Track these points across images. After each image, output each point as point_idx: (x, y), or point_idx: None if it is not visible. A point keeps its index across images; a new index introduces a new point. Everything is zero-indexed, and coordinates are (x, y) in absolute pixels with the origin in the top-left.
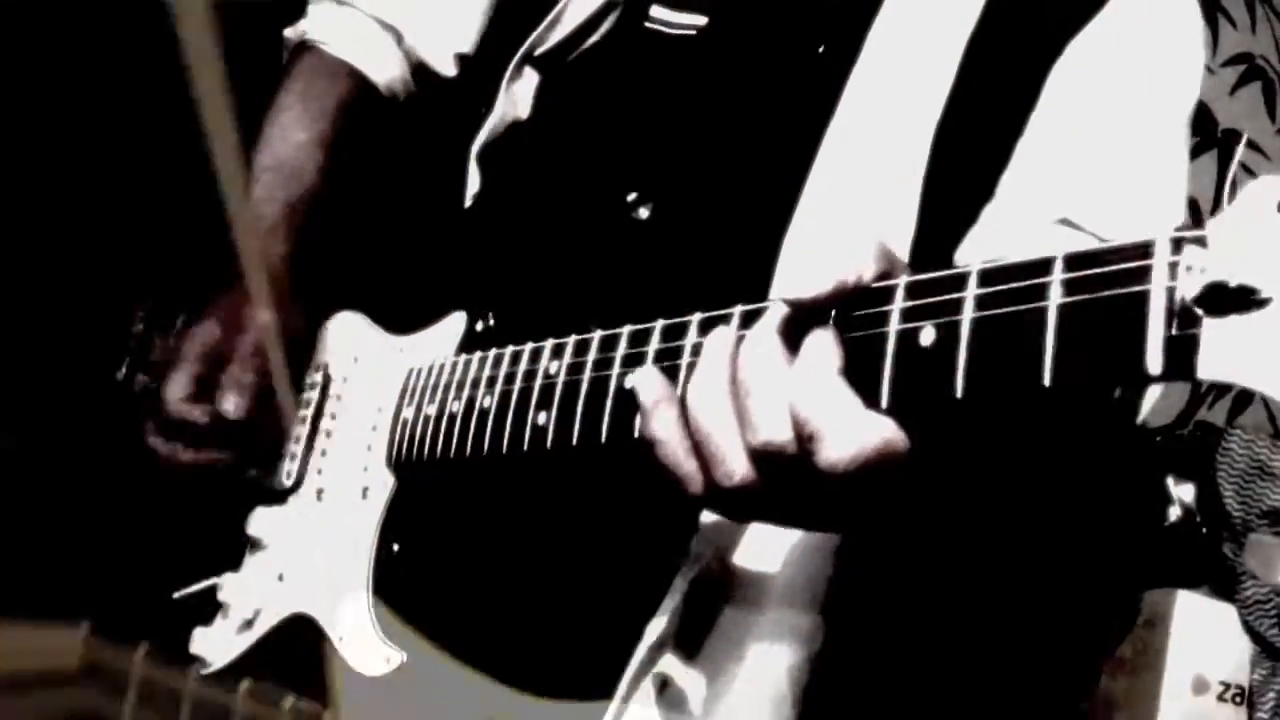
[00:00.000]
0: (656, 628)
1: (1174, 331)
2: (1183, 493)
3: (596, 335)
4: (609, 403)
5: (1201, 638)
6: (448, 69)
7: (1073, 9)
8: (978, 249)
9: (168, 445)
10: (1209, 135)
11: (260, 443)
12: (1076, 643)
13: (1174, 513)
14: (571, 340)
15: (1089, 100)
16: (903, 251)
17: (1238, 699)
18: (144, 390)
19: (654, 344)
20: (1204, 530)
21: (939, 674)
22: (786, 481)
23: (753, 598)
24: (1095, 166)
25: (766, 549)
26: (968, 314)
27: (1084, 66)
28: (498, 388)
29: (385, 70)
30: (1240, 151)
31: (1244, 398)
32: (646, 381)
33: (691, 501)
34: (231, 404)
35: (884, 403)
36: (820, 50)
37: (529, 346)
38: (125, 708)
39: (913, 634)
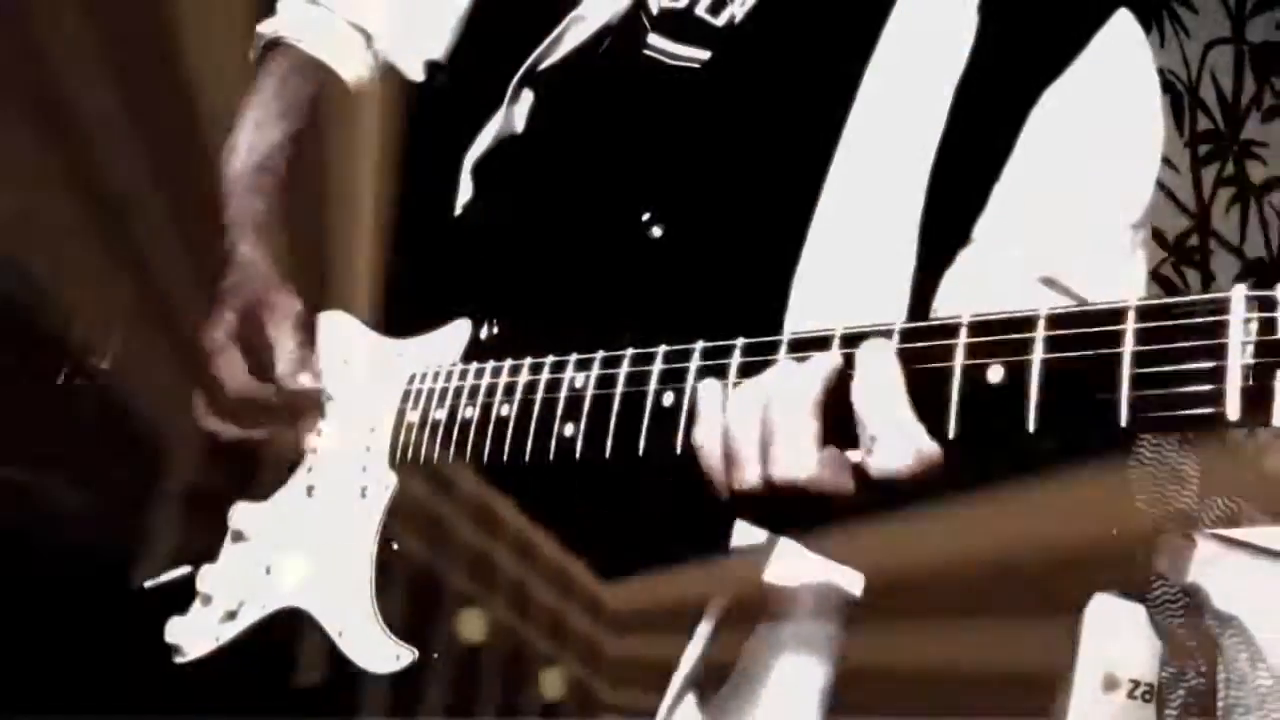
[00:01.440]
0: (691, 654)
1: (1251, 382)
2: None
3: (628, 352)
4: (646, 419)
5: (1112, 637)
6: (417, 74)
7: (1048, 60)
8: (956, 293)
9: (232, 428)
10: None
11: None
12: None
13: None
14: (598, 355)
15: (1061, 153)
16: (904, 287)
17: (1147, 696)
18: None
19: (695, 362)
20: (1114, 532)
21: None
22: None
23: (782, 617)
24: (1069, 226)
25: (794, 566)
26: (1038, 354)
27: (1056, 119)
28: (517, 396)
29: (355, 70)
30: None
31: None
32: (708, 392)
33: (740, 504)
34: (307, 378)
35: (951, 433)
36: (819, 86)
37: (549, 359)
38: None
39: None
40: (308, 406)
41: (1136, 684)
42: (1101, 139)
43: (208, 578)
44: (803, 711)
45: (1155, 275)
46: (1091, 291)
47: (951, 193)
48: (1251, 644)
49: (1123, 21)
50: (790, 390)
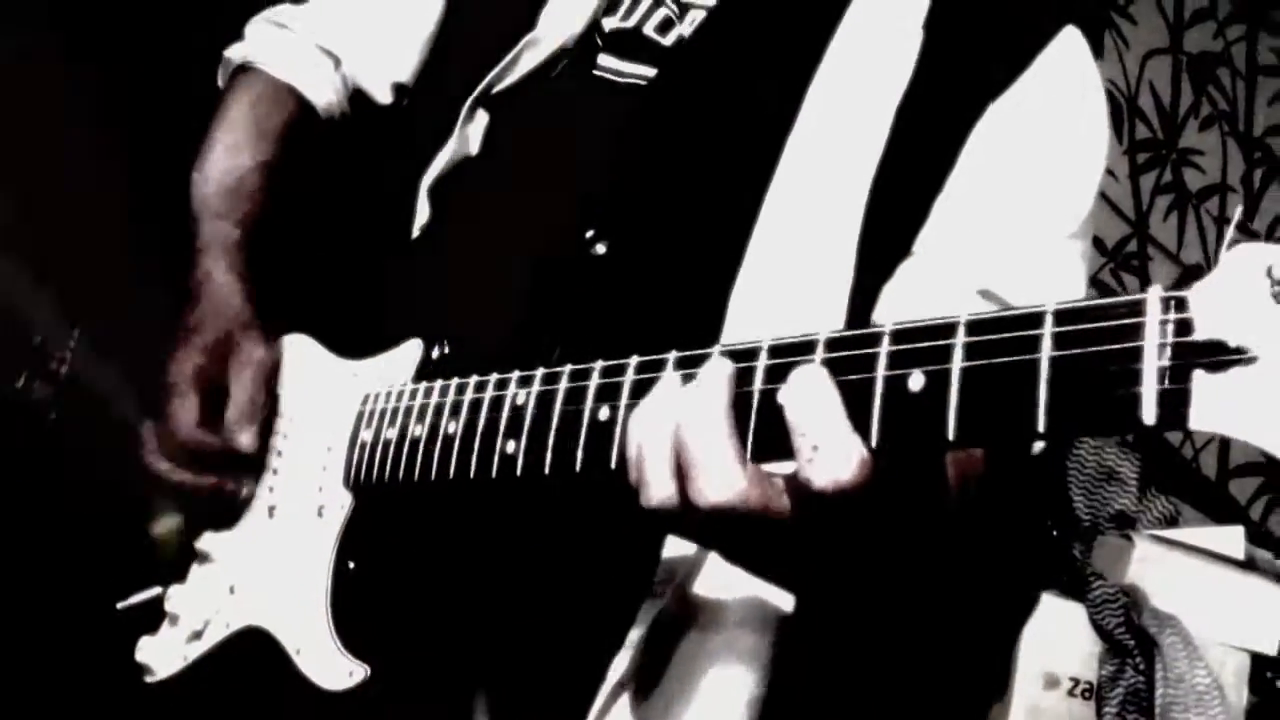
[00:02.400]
0: (622, 661)
1: (1167, 385)
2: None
3: (567, 368)
4: (583, 433)
5: (1052, 635)
6: (385, 97)
7: (994, 76)
8: (895, 305)
9: (178, 471)
10: None
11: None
12: (992, 646)
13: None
14: (540, 372)
15: (1003, 166)
16: (841, 301)
17: (1086, 694)
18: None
19: (630, 376)
20: (1054, 533)
21: (880, 687)
22: (779, 506)
23: (713, 627)
24: (1009, 238)
25: (726, 580)
26: (957, 362)
27: (1000, 133)
28: (463, 415)
29: (324, 94)
30: None
31: None
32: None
33: (672, 528)
34: (247, 439)
35: (874, 443)
36: (762, 104)
37: (494, 376)
38: None
39: (856, 657)
40: (248, 461)
41: (1076, 682)
42: (1043, 152)
43: (175, 598)
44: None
45: (1094, 281)
46: (1028, 303)
47: (892, 207)
48: (1189, 643)
49: (1070, 38)
50: (696, 410)
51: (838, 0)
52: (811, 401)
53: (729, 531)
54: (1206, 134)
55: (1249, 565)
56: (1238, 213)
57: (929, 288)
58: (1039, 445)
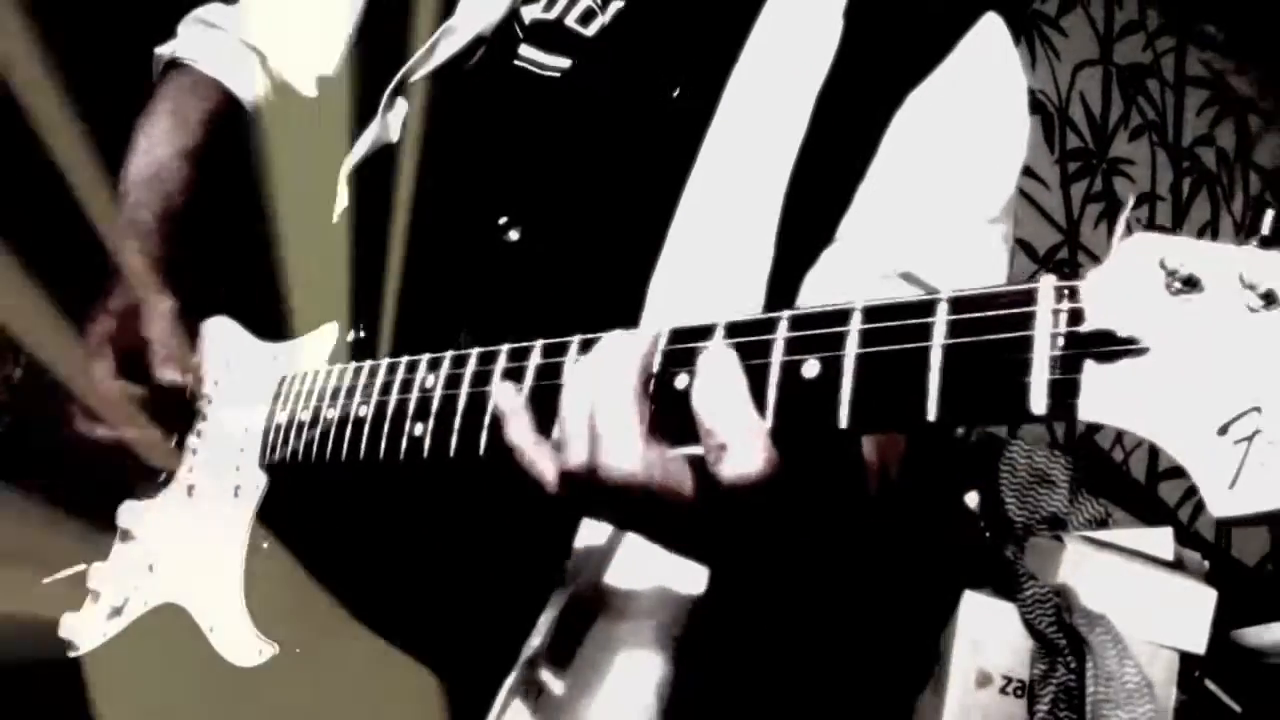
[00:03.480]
0: (533, 643)
1: (1057, 375)
2: (969, 500)
3: (474, 351)
4: (487, 417)
5: (985, 634)
6: (309, 90)
7: (914, 63)
8: (818, 290)
9: (99, 426)
10: None
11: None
12: (911, 641)
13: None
14: (448, 355)
15: (924, 151)
16: (759, 288)
17: (1019, 692)
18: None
19: (535, 359)
20: (987, 534)
21: (792, 679)
22: (690, 490)
23: (622, 614)
24: (931, 222)
25: (635, 569)
26: (851, 349)
27: (921, 119)
28: (374, 398)
29: (250, 88)
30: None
31: None
32: (502, 394)
33: (553, 501)
34: (169, 375)
35: (768, 428)
36: (680, 94)
37: (405, 359)
38: None
39: (767, 644)
40: (177, 402)
41: (1009, 680)
42: (964, 137)
43: (97, 575)
44: (639, 709)
45: None
46: (948, 285)
47: (812, 194)
48: (1119, 642)
49: (990, 24)
50: (607, 383)
51: None
52: (719, 398)
53: (633, 506)
54: (1136, 144)
55: (1177, 566)
56: (1130, 200)
57: (851, 273)
58: (960, 429)
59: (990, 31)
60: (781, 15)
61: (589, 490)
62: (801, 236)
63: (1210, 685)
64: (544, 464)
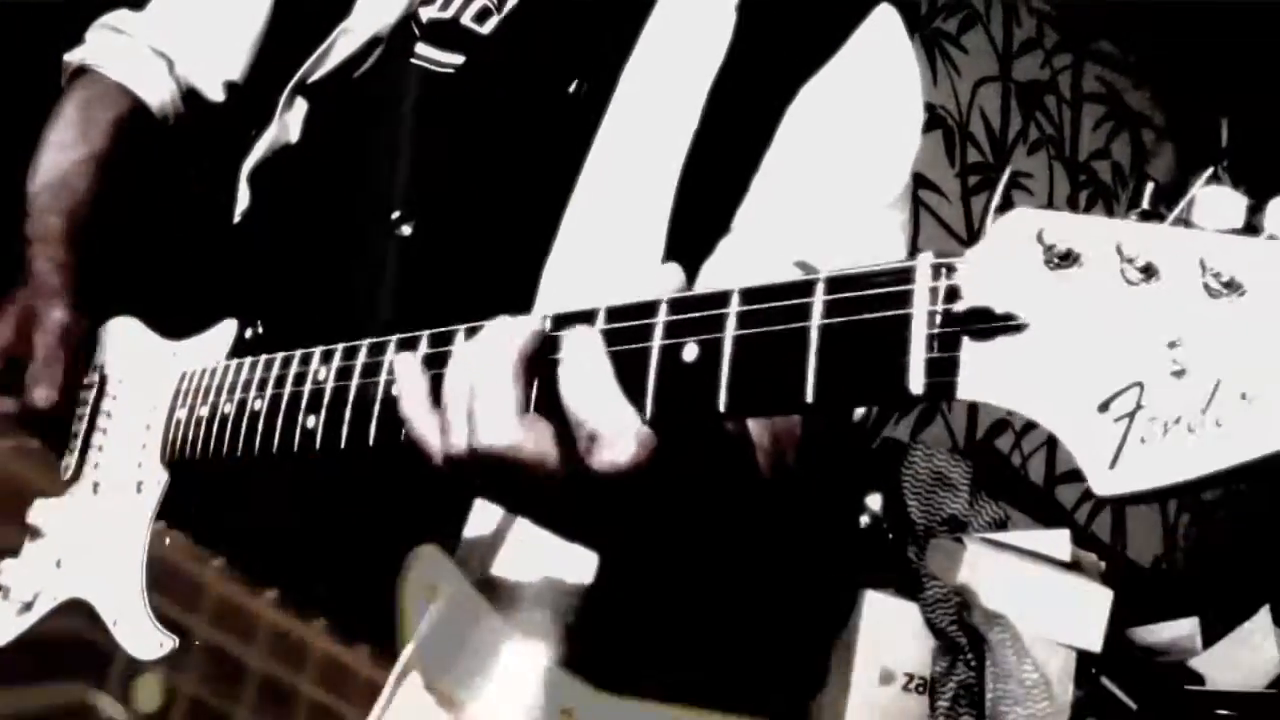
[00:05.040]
0: (421, 632)
1: (935, 354)
2: (871, 502)
3: (364, 342)
4: (377, 407)
5: (888, 633)
6: (217, 95)
7: (807, 55)
8: (710, 281)
9: None
10: None
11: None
12: (803, 639)
13: (864, 520)
14: (340, 347)
15: (818, 141)
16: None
17: (920, 689)
18: None
19: (422, 350)
20: (890, 536)
21: (683, 671)
22: (563, 476)
23: (511, 603)
24: (825, 210)
25: (523, 559)
26: (730, 331)
27: (815, 109)
28: (268, 391)
29: (158, 93)
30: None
31: (927, 414)
32: (402, 363)
33: (440, 473)
34: (42, 395)
35: (648, 414)
36: (574, 88)
37: (298, 352)
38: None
39: (660, 633)
40: (45, 419)
41: (911, 677)
42: (857, 125)
43: (8, 571)
44: (529, 697)
45: None
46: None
47: (707, 184)
48: (1017, 640)
49: (884, 15)
50: (489, 354)
51: None
52: (586, 386)
53: (510, 486)
54: (1035, 158)
55: (1074, 567)
56: (1005, 175)
57: (745, 261)
58: (859, 411)
59: (884, 23)
60: (675, 8)
61: (469, 468)
62: (695, 226)
63: (1106, 682)
64: (433, 438)
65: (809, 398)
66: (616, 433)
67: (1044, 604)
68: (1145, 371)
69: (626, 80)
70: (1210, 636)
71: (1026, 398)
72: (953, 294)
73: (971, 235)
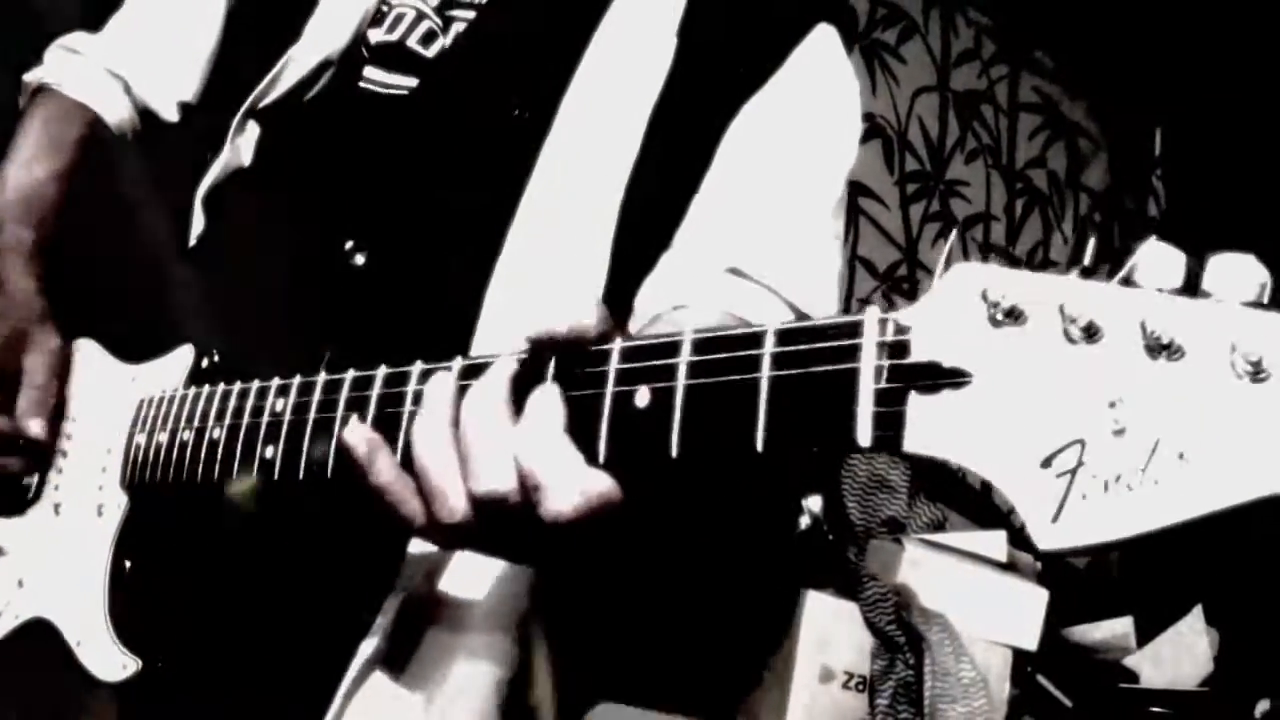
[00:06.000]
0: (369, 646)
1: (882, 408)
2: (811, 504)
3: (321, 377)
4: (334, 443)
5: (828, 633)
6: (171, 115)
7: (747, 77)
8: (653, 293)
9: None
10: None
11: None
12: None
13: (804, 522)
14: (297, 380)
15: (756, 157)
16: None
17: (860, 687)
18: None
19: (376, 389)
20: (830, 537)
21: (631, 677)
22: (508, 525)
23: (457, 621)
24: (760, 220)
25: (470, 576)
26: (681, 380)
27: (754, 127)
28: (227, 421)
29: (116, 112)
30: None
31: None
32: (355, 436)
33: (414, 535)
34: (36, 426)
35: (601, 459)
36: (517, 112)
37: (256, 384)
38: None
39: (605, 634)
40: (36, 448)
41: (850, 676)
42: (795, 141)
43: None
44: (479, 710)
45: (866, 302)
46: (778, 280)
47: (649, 205)
48: (956, 639)
49: (823, 34)
50: (419, 424)
51: (594, 9)
52: (537, 440)
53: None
54: (971, 166)
55: (1010, 567)
56: (952, 235)
57: (682, 273)
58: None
59: (823, 41)
60: (617, 32)
61: (464, 523)
62: (637, 248)
63: (1042, 680)
64: (414, 503)
65: (759, 446)
66: (562, 486)
67: (981, 603)
68: (1087, 430)
69: (569, 102)
70: (1144, 636)
71: (971, 452)
72: (899, 349)
73: (909, 242)
